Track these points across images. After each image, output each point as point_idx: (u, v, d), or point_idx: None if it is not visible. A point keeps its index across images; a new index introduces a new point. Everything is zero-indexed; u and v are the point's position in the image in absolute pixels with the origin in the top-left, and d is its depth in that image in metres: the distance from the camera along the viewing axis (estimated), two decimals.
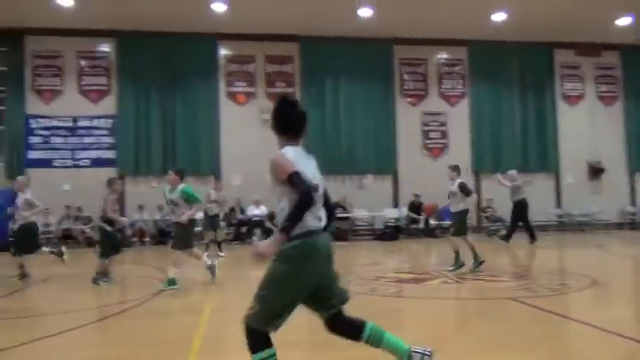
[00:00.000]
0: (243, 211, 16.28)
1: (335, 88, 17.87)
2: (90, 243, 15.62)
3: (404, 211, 17.41)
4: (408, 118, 18.38)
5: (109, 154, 16.78)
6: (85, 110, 16.78)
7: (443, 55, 18.93)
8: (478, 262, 8.62)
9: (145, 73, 16.93)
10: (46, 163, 16.37)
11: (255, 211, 16.14)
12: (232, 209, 16.25)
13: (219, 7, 15.14)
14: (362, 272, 9.01)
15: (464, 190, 8.64)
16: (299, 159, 3.06)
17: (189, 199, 7.82)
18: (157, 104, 16.99)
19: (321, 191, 3.11)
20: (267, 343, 3.12)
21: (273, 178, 3.01)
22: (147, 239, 16.18)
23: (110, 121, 16.86)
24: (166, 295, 7.27)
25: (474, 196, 9.04)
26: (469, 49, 18.77)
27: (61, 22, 15.73)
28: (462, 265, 8.68)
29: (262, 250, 2.89)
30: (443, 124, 18.66)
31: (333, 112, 17.77)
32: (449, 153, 18.38)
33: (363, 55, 17.79)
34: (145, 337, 5.14)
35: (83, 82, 16.85)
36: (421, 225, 16.90)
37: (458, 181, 8.72)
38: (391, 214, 17.50)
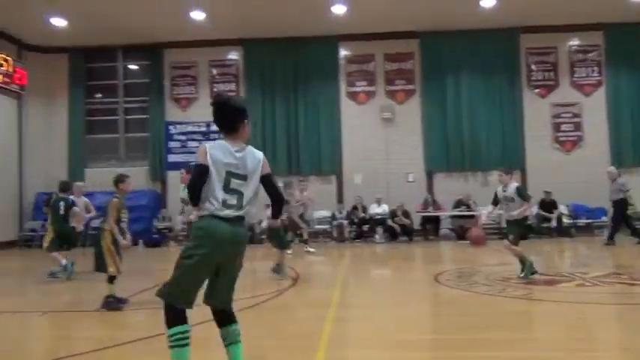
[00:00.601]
0: (365, 210, 16.43)
1: (456, 82, 17.39)
2: None
3: (534, 209, 16.48)
4: (536, 111, 17.37)
5: None
6: None
7: (575, 42, 17.63)
8: (530, 270, 7.77)
9: (269, 77, 17.71)
10: (183, 166, 17.70)
11: (377, 210, 16.22)
12: (355, 208, 16.47)
13: (339, 9, 15.40)
14: (489, 272, 8.71)
15: (522, 194, 7.87)
16: (214, 152, 3.36)
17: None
18: (281, 107, 17.68)
19: (235, 183, 3.33)
20: (181, 320, 3.25)
21: None
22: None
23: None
24: (294, 290, 7.58)
25: (532, 201, 8.40)
26: (605, 33, 17.30)
27: (194, 34, 16.95)
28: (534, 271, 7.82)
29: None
30: (576, 115, 17.38)
31: (454, 107, 17.31)
32: (583, 146, 17.10)
33: (485, 48, 17.13)
34: (275, 330, 5.42)
35: (216, 89, 18.01)
36: (553, 224, 15.89)
37: (514, 184, 7.97)
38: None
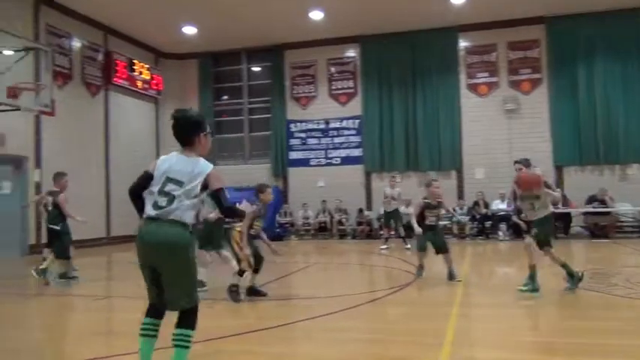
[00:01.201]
0: (487, 206, 15.81)
1: (589, 69, 16.09)
2: (342, 235, 16.97)
3: None
4: None
5: (357, 153, 17.94)
6: (335, 112, 18.23)
7: None
8: (577, 278, 6.68)
9: (386, 72, 17.64)
10: (304, 163, 18.29)
11: (501, 206, 15.54)
12: (476, 203, 15.92)
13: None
14: (630, 274, 8.00)
15: (550, 188, 6.80)
16: (162, 162, 3.48)
17: None
18: (399, 102, 17.54)
19: (170, 187, 3.39)
20: (148, 313, 3.48)
21: None
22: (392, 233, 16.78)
23: (357, 121, 18.00)
24: (415, 287, 7.51)
25: (558, 194, 7.18)
26: None
27: (313, 34, 17.36)
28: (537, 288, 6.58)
29: None
30: None
31: (587, 96, 16.04)
32: None
33: (621, 30, 15.69)
34: (398, 325, 5.41)
35: (333, 87, 18.32)
36: None
37: None
38: None
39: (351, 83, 18.19)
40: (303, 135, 18.47)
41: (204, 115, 3.84)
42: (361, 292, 7.31)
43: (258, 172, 18.04)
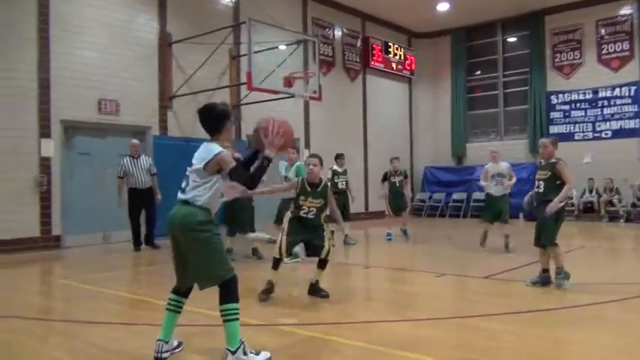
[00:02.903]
0: None
1: None
2: (612, 217, 15.12)
3: None
4: None
5: (632, 124, 15.70)
6: (605, 80, 16.21)
7: None
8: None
9: None
10: (567, 137, 16.75)
11: None
12: None
13: None
14: None
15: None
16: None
17: None
18: None
19: (189, 170, 3.66)
20: (173, 290, 3.78)
21: None
22: None
23: (633, 88, 15.72)
24: None
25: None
26: None
27: None
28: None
29: None
30: None
31: None
32: None
33: None
34: None
35: (603, 51, 16.30)
36: None
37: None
38: None
39: (625, 45, 15.91)
40: (566, 107, 16.89)
41: (227, 104, 3.92)
42: (634, 282, 6.48)
43: (514, 148, 17.17)
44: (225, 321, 3.52)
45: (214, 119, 3.69)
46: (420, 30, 19.32)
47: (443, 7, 16.74)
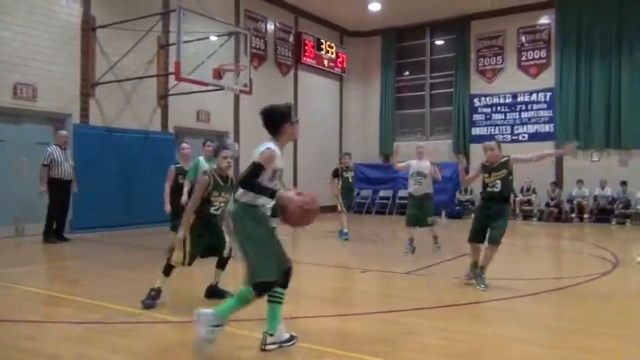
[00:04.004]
0: None
1: None
2: (527, 216, 15.97)
3: None
4: None
5: (547, 128, 16.65)
6: (524, 85, 17.08)
7: None
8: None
9: (586, 40, 15.97)
10: (487, 139, 17.40)
11: None
12: None
13: None
14: None
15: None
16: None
17: None
18: (599, 72, 15.79)
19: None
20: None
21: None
22: (586, 215, 15.40)
23: (548, 94, 16.66)
24: (615, 275, 6.85)
25: None
26: None
27: (503, 2, 16.40)
28: None
29: None
30: None
31: None
32: None
33: None
34: (594, 315, 4.98)
35: (523, 58, 17.15)
36: None
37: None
38: None
39: (543, 53, 16.84)
40: (487, 110, 17.65)
41: (288, 106, 3.99)
42: (549, 277, 6.88)
43: (440, 148, 17.76)
44: (271, 302, 3.76)
45: (272, 120, 3.83)
46: (353, 28, 19.54)
47: (374, 7, 17.00)
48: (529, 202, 16.04)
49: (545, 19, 16.81)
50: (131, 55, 11.58)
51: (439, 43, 19.12)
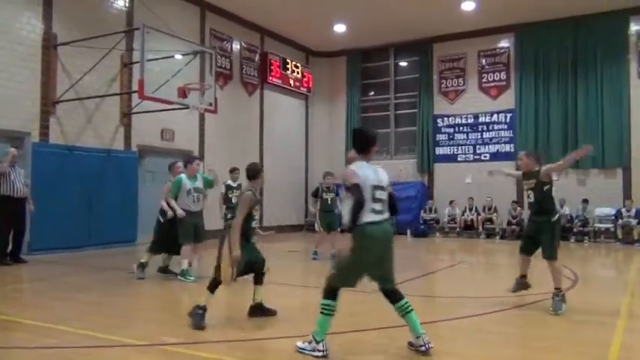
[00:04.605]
0: None
1: None
2: (489, 234, 16.28)
3: None
4: None
5: (508, 148, 17.07)
6: (485, 107, 17.51)
7: None
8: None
9: (543, 62, 16.54)
10: (450, 158, 17.84)
11: None
12: None
13: None
14: None
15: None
16: (362, 170, 4.13)
17: None
18: (557, 94, 16.34)
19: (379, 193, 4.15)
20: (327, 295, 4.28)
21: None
22: None
23: (509, 115, 17.12)
24: (573, 293, 6.99)
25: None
26: None
27: (464, 25, 16.84)
28: None
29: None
30: None
31: None
32: None
33: None
34: (555, 333, 5.07)
35: (483, 80, 17.61)
36: None
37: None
38: None
39: (503, 75, 17.34)
40: (450, 130, 18.01)
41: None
42: (511, 295, 6.98)
43: (404, 167, 17.97)
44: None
45: (362, 142, 4.27)
46: (318, 49, 19.75)
47: (340, 28, 17.26)
48: (491, 221, 16.36)
49: (504, 43, 17.34)
50: (94, 72, 11.41)
51: (403, 64, 19.49)
